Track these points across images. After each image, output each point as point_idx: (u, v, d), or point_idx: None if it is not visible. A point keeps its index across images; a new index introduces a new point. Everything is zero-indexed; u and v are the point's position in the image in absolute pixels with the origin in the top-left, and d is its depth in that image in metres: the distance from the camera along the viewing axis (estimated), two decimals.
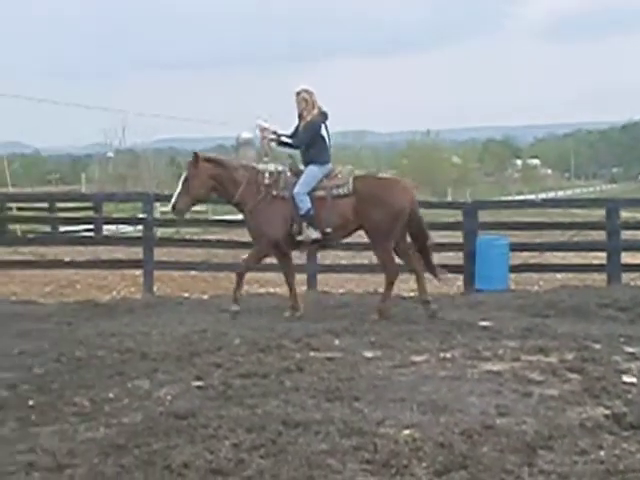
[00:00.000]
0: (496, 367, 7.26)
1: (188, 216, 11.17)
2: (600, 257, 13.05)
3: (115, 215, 25.23)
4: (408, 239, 10.24)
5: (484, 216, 13.16)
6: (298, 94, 10.18)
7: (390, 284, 10.07)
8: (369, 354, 7.82)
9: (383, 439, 5.26)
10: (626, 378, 6.83)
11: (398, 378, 6.93)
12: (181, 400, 6.30)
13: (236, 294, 10.07)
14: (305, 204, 9.86)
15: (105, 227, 23.00)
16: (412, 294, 12.06)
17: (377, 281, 11.51)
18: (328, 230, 9.93)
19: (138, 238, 13.70)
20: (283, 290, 10.95)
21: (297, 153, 10.47)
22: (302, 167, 10.18)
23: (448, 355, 7.72)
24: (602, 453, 5.04)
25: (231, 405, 6.11)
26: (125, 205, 28.01)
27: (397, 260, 10.23)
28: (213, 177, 10.08)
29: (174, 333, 8.83)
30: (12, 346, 8.32)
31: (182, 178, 10.12)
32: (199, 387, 6.68)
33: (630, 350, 7.92)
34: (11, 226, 22.74)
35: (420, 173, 74.22)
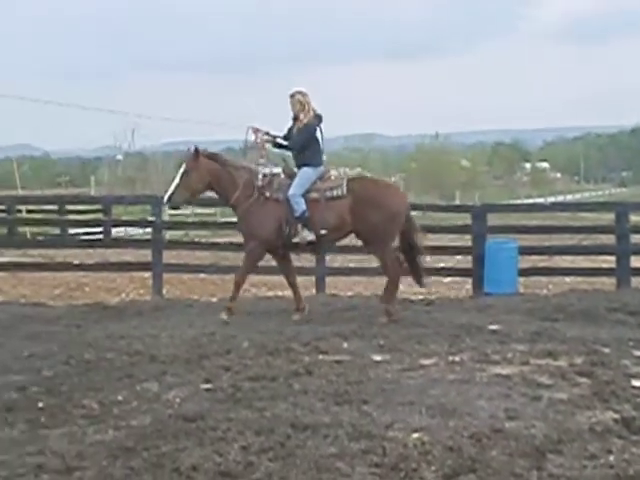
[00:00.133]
0: (505, 371, 7.24)
1: (196, 218, 11.19)
2: (609, 261, 13.02)
3: (124, 218, 25.27)
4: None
5: (493, 219, 13.14)
6: (292, 96, 10.19)
7: (393, 285, 10.07)
8: (378, 357, 7.81)
9: (392, 443, 5.25)
10: (635, 382, 6.81)
11: (407, 381, 6.92)
12: (190, 403, 6.31)
13: (231, 304, 10.04)
14: (300, 206, 9.86)
15: (114, 229, 23.05)
16: (420, 297, 12.08)
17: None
18: (323, 232, 9.94)
19: (147, 241, 13.72)
20: (291, 293, 10.95)
21: (289, 155, 10.50)
22: (295, 169, 10.21)
23: (457, 359, 7.71)
24: (611, 457, 5.03)
25: (240, 408, 6.11)
26: (134, 208, 28.11)
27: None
28: (212, 173, 10.07)
29: (183, 336, 8.84)
30: (21, 348, 8.34)
31: (181, 171, 10.11)
32: (208, 390, 6.68)
33: (639, 354, 7.90)
34: (21, 228, 22.82)
35: (429, 176, 74.35)
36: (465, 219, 13.36)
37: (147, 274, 13.16)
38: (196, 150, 10.05)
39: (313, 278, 12.44)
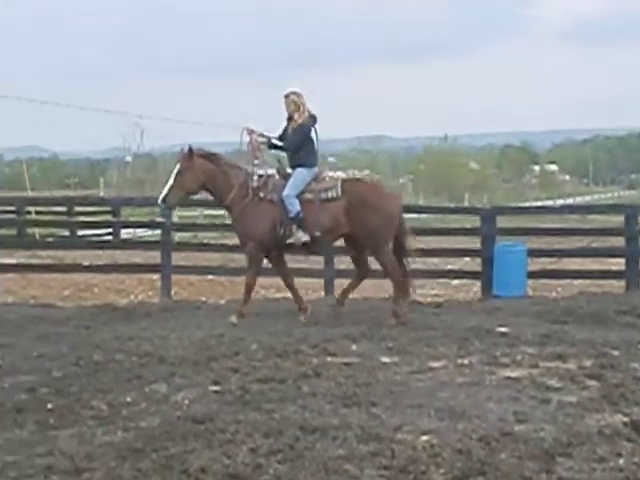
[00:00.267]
0: (514, 373, 7.23)
1: (205, 220, 11.21)
2: (619, 263, 12.99)
3: (133, 219, 25.29)
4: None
5: (502, 222, 13.13)
6: (287, 97, 10.19)
7: (399, 286, 10.07)
8: (386, 360, 7.81)
9: (401, 445, 5.25)
10: None
11: (416, 384, 6.91)
12: (198, 404, 6.32)
13: (243, 307, 10.07)
14: (295, 207, 9.87)
15: (123, 231, 23.08)
16: (429, 299, 12.07)
17: None
18: (317, 233, 9.94)
19: (156, 242, 13.74)
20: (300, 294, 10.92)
21: (284, 155, 10.50)
22: (289, 170, 10.21)
23: (466, 361, 7.70)
24: (621, 461, 5.02)
25: (248, 410, 6.11)
26: (143, 209, 28.12)
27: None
28: (206, 173, 10.04)
29: (192, 337, 8.85)
30: (31, 349, 8.37)
31: (175, 171, 10.05)
32: (216, 392, 6.69)
33: None
34: (30, 230, 22.86)
35: (437, 178, 74.35)
36: (474, 221, 13.35)
37: (156, 276, 13.17)
38: (190, 150, 10.01)
39: (322, 280, 12.44)
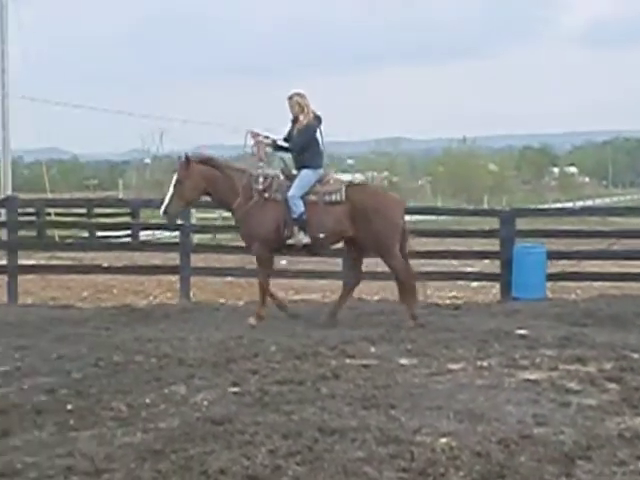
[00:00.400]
0: (533, 376, 7.21)
1: (224, 222, 11.23)
2: (638, 266, 12.92)
3: (152, 221, 25.37)
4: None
5: (521, 224, 13.08)
6: (290, 98, 10.18)
7: (412, 288, 10.05)
8: (405, 362, 7.80)
9: (420, 447, 5.24)
10: None
11: (435, 386, 6.90)
12: (217, 406, 6.32)
13: (261, 309, 10.10)
14: (298, 207, 9.87)
15: (142, 233, 23.14)
16: (448, 302, 12.04)
17: None
18: (321, 235, 9.93)
19: (175, 244, 13.77)
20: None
21: (288, 156, 10.51)
22: (294, 171, 10.21)
23: (485, 363, 7.68)
24: None
25: (267, 411, 6.12)
26: None
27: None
28: (207, 179, 10.05)
29: (210, 339, 8.86)
30: (50, 351, 8.40)
31: (173, 181, 10.06)
32: (235, 393, 6.70)
33: None
34: (49, 231, 22.97)
35: (456, 180, 74.22)
36: (493, 223, 13.31)
37: (174, 277, 13.20)
38: (187, 158, 10.01)
39: (340, 282, 12.42)
